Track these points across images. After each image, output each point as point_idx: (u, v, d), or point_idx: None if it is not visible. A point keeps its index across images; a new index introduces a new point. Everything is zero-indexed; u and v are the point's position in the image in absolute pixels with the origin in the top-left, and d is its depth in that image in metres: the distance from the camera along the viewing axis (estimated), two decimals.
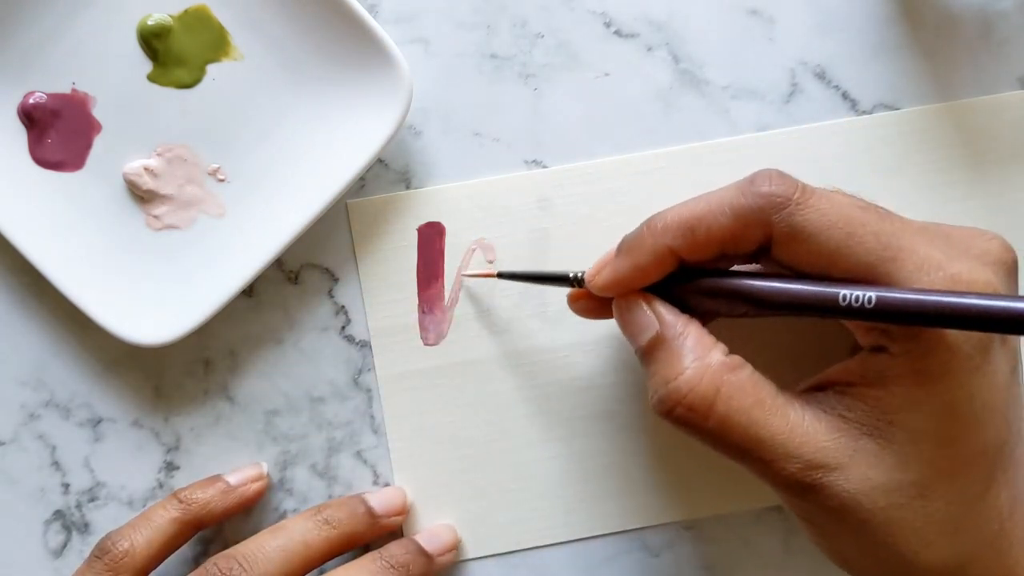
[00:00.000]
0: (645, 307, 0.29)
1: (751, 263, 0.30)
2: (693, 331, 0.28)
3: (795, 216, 0.27)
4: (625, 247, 0.29)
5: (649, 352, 0.28)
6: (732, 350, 0.28)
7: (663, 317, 0.28)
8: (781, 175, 0.27)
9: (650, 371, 0.28)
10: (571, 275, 0.31)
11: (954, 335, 0.26)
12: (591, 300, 0.31)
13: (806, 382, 0.29)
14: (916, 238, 0.27)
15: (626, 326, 0.29)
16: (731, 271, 0.29)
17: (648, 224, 0.29)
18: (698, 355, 0.27)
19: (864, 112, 0.36)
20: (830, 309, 0.26)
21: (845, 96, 0.36)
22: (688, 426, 0.27)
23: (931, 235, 0.27)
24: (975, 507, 0.27)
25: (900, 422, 0.26)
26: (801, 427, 0.27)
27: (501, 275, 0.34)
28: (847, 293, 0.26)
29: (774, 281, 0.27)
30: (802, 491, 0.27)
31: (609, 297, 0.30)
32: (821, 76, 0.36)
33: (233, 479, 0.35)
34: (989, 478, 0.27)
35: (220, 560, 0.31)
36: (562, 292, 0.36)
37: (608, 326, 0.35)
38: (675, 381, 0.27)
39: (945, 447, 0.26)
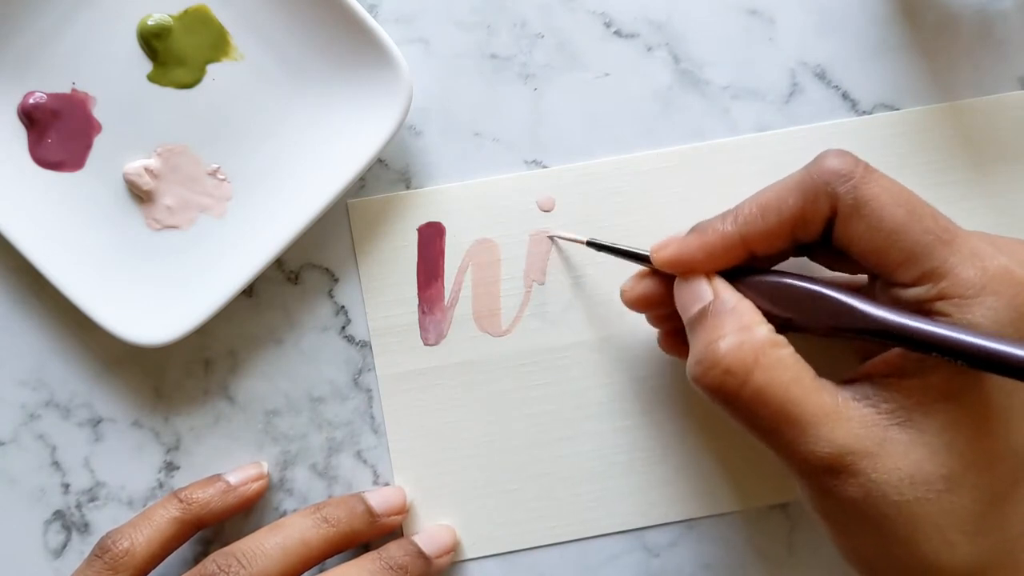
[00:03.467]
0: (704, 280, 0.29)
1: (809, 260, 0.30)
2: (745, 306, 0.28)
3: (860, 188, 0.27)
4: (697, 228, 0.30)
5: (698, 319, 0.29)
6: None
7: (718, 289, 0.29)
8: (846, 152, 0.28)
9: (694, 338, 0.29)
10: (644, 252, 0.31)
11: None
12: (654, 280, 0.31)
13: (846, 375, 0.29)
14: (970, 233, 0.27)
15: (682, 296, 0.30)
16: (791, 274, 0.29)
17: (723, 213, 0.30)
18: (744, 325, 0.28)
19: (864, 112, 0.36)
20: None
21: (845, 96, 0.36)
22: (722, 392, 0.27)
23: (982, 235, 0.28)
24: (999, 508, 0.27)
25: (935, 412, 0.26)
26: (835, 411, 0.27)
27: (590, 244, 0.34)
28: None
29: (855, 297, 0.28)
30: (827, 476, 0.26)
31: (670, 278, 0.30)
32: (821, 76, 0.36)
33: (233, 478, 0.35)
34: (1016, 480, 0.27)
35: (219, 557, 0.31)
36: (560, 295, 0.36)
37: (608, 327, 0.35)
38: (715, 343, 0.27)
39: (976, 440, 0.26)
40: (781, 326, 0.29)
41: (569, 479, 0.36)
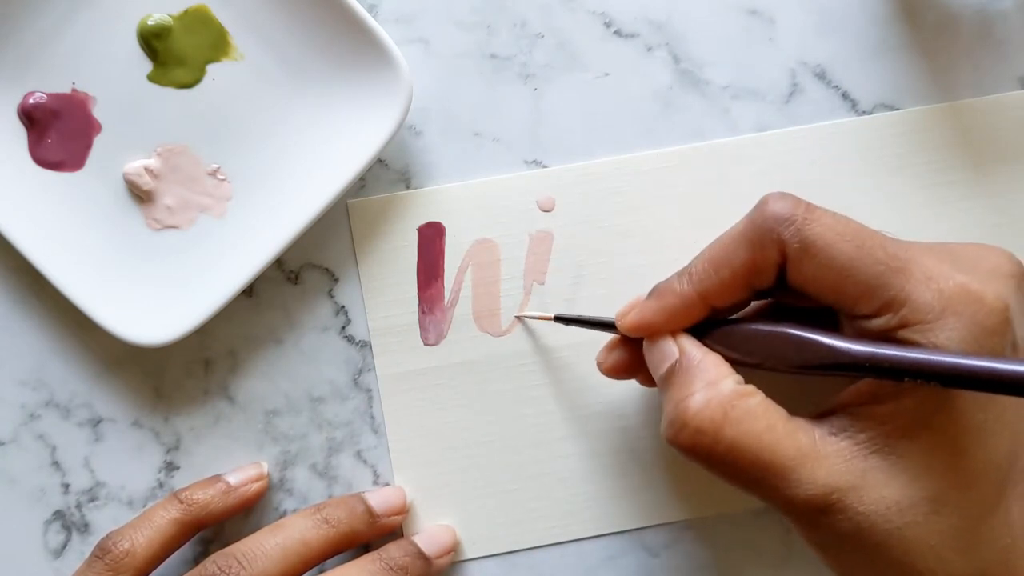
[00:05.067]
0: (671, 339, 0.29)
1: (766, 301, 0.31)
2: (711, 361, 0.28)
3: (804, 230, 0.27)
4: (656, 291, 0.30)
5: (667, 379, 0.29)
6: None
7: (684, 347, 0.29)
8: (785, 194, 0.28)
9: (665, 399, 0.29)
10: (610, 321, 0.31)
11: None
12: (627, 346, 0.32)
13: (819, 409, 0.29)
14: (923, 253, 0.27)
15: (651, 358, 0.30)
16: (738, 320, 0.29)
17: (678, 272, 0.30)
18: (710, 380, 0.28)
19: (864, 112, 0.36)
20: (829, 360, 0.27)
21: (845, 96, 0.36)
22: (696, 451, 0.27)
23: (937, 252, 0.28)
24: (987, 520, 0.27)
25: (911, 436, 0.26)
26: (812, 451, 0.27)
27: (558, 319, 0.34)
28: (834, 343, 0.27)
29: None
30: (816, 515, 0.26)
31: (639, 341, 0.31)
32: (821, 76, 0.36)
33: (233, 479, 0.35)
34: (1000, 491, 0.27)
35: (219, 558, 0.31)
36: (560, 295, 0.36)
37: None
38: (684, 402, 0.27)
39: (956, 459, 0.26)
40: (752, 371, 0.29)
41: (569, 479, 0.36)
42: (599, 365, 0.32)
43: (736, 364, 0.29)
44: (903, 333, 0.26)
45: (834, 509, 0.26)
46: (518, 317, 0.36)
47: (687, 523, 0.36)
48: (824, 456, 0.27)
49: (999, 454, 0.27)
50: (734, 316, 0.30)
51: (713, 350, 0.29)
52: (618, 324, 0.31)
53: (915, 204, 0.34)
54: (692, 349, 0.29)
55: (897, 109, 0.36)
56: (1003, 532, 0.27)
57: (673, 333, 0.29)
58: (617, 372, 0.32)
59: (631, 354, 0.31)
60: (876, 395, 0.27)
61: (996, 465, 0.27)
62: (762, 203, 0.28)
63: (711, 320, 0.30)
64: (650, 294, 0.30)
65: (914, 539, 0.26)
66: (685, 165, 0.36)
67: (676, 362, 0.29)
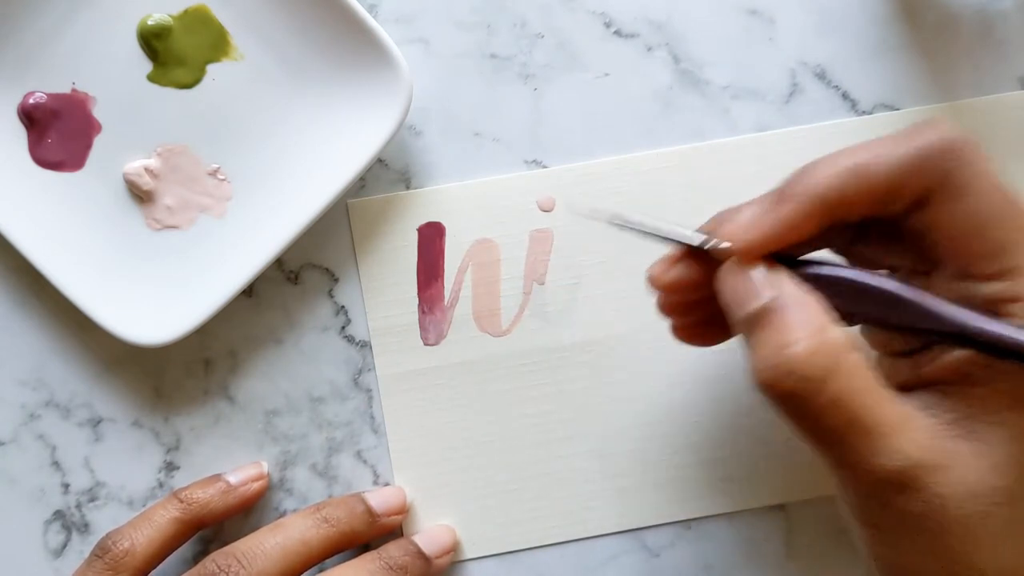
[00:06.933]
0: (764, 271, 0.26)
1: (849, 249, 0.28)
2: (814, 303, 0.25)
3: (971, 167, 0.25)
4: (772, 197, 0.26)
5: (760, 317, 0.25)
6: None
7: (781, 284, 0.26)
8: (955, 126, 0.25)
9: (759, 338, 0.25)
10: (696, 238, 0.27)
11: None
12: (690, 265, 0.28)
13: (898, 380, 0.27)
14: None
15: (736, 288, 0.26)
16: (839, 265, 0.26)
17: (799, 173, 0.26)
18: (819, 326, 0.25)
19: (864, 112, 0.36)
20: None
21: (845, 96, 0.36)
22: (794, 400, 0.25)
23: None
24: None
25: (1000, 422, 0.25)
26: (905, 422, 0.25)
27: (614, 222, 0.28)
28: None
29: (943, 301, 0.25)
30: (890, 490, 0.25)
31: (709, 264, 0.27)
32: (821, 76, 0.36)
33: (233, 479, 0.35)
34: None
35: (219, 557, 0.31)
36: (560, 295, 0.36)
37: (608, 328, 0.35)
38: (791, 348, 0.24)
39: None
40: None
41: (569, 479, 0.36)
42: (654, 279, 0.28)
43: None
44: (1010, 307, 0.25)
45: (913, 486, 0.24)
46: (572, 211, 0.33)
47: (687, 523, 0.36)
48: (916, 430, 0.25)
49: None
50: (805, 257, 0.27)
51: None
52: (728, 236, 0.26)
53: None
54: (789, 287, 0.25)
55: (897, 109, 0.36)
56: None
57: (767, 262, 0.26)
58: (673, 290, 0.28)
59: (695, 275, 0.27)
60: (971, 375, 0.25)
61: None
62: (931, 127, 0.25)
63: (789, 258, 0.26)
64: (765, 202, 0.26)
65: (980, 529, 0.24)
66: (685, 165, 0.36)
67: (773, 300, 0.25)
